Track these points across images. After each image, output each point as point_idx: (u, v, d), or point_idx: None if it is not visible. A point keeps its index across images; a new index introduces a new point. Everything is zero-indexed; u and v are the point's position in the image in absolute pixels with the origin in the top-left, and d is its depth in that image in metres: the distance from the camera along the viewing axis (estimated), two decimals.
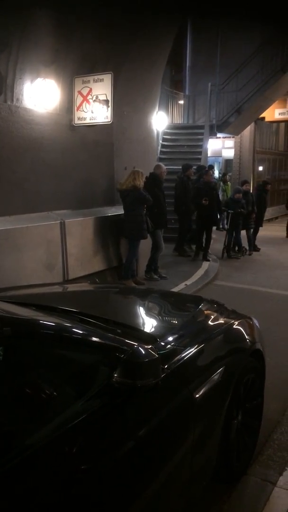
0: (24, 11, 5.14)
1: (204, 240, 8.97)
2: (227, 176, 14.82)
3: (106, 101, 5.98)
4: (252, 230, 10.21)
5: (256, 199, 10.21)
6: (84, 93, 6.10)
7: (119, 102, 6.65)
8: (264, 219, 16.38)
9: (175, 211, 9.12)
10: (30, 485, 1.43)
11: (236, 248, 9.94)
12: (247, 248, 10.13)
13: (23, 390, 1.86)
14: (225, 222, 11.10)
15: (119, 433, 1.73)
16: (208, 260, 8.77)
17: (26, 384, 1.89)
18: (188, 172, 9.19)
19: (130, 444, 1.74)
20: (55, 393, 1.87)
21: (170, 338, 2.33)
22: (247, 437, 2.70)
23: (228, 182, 14.47)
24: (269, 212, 16.97)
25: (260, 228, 10.90)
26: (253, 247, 10.43)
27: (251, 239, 10.26)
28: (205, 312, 2.95)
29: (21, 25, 5.20)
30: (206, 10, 13.16)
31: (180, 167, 9.39)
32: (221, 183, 13.64)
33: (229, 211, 9.52)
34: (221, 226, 12.38)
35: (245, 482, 2.60)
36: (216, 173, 15.99)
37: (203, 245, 8.97)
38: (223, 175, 14.27)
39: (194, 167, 10.14)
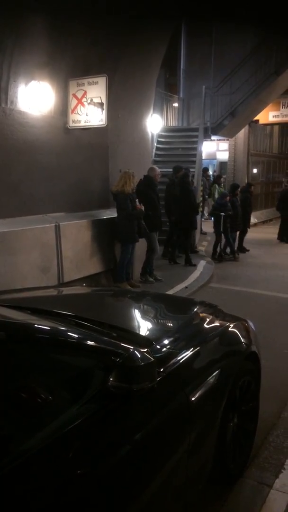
0: (18, 14, 5.13)
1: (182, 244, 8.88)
2: (222, 179, 14.85)
3: (101, 104, 5.98)
4: (238, 232, 10.26)
5: (241, 202, 10.23)
6: (79, 96, 6.10)
7: (113, 104, 6.66)
8: (258, 221, 16.57)
9: (166, 214, 9.11)
10: (26, 491, 1.42)
11: (228, 250, 9.98)
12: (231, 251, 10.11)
13: (18, 394, 1.85)
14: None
15: (115, 437, 1.73)
16: (193, 265, 8.56)
17: (21, 388, 1.88)
18: (180, 173, 9.19)
19: (126, 448, 1.73)
20: (50, 397, 1.85)
21: (166, 341, 2.32)
22: (243, 439, 2.70)
23: (223, 185, 14.51)
24: (263, 214, 17.12)
25: (249, 230, 10.92)
26: (240, 249, 10.51)
27: (236, 241, 10.27)
28: (201, 315, 2.95)
29: (15, 28, 5.20)
30: (200, 14, 13.23)
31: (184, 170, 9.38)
32: (216, 186, 13.66)
33: (221, 214, 9.55)
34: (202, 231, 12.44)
35: (242, 485, 2.60)
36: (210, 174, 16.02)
37: (173, 248, 8.89)
38: (217, 177, 14.30)
39: (192, 170, 10.17)
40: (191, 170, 10.61)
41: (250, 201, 10.72)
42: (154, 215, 7.23)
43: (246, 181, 16.71)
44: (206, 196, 13.17)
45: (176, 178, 9.12)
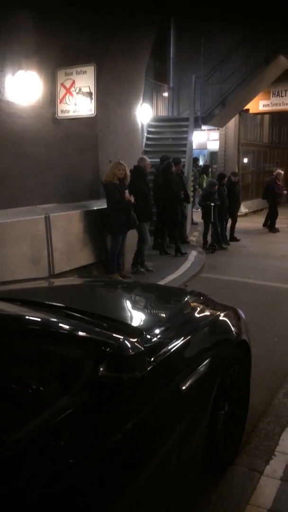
0: (4, 3, 5.04)
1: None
2: (210, 169, 14.86)
3: (90, 94, 5.92)
4: (226, 222, 10.29)
5: (227, 192, 10.22)
6: (67, 86, 6.03)
7: (102, 94, 6.59)
8: (249, 211, 16.61)
9: (155, 204, 9.05)
10: (18, 481, 1.42)
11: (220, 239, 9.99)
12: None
13: (8, 385, 1.85)
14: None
15: (106, 426, 1.73)
16: (184, 254, 8.54)
17: (12, 379, 1.88)
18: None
19: (117, 437, 1.74)
20: (41, 388, 1.85)
21: (156, 331, 2.33)
22: (234, 427, 2.72)
23: (210, 175, 14.52)
24: (254, 204, 17.15)
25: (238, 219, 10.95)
26: (231, 239, 10.57)
27: (224, 231, 10.28)
28: (191, 304, 2.96)
29: (2, 17, 5.11)
30: (189, 2, 13.10)
31: (171, 159, 9.32)
32: (204, 176, 13.65)
33: (211, 204, 9.54)
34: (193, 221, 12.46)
35: (233, 472, 2.63)
36: (201, 164, 16.01)
37: (163, 238, 8.86)
38: (205, 167, 14.27)
39: (183, 159, 10.12)
40: (182, 160, 10.58)
41: (234, 191, 10.60)
42: (145, 205, 7.21)
43: (236, 171, 16.75)
44: (197, 186, 13.15)
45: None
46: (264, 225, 12.53)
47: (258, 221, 13.32)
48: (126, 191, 6.61)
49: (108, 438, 1.70)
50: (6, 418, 1.68)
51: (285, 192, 12.43)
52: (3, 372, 1.92)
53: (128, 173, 6.69)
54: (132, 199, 6.65)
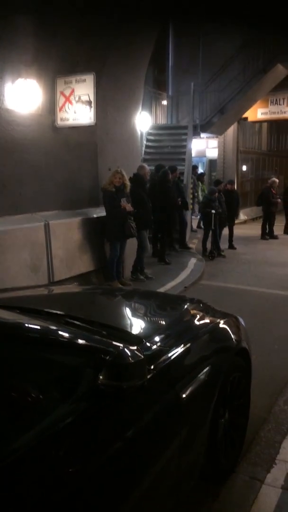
0: (4, 11, 5.08)
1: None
2: (205, 176, 14.98)
3: (89, 102, 5.95)
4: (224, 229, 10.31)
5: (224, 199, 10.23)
6: (67, 94, 6.06)
7: (102, 102, 6.63)
8: (248, 218, 16.65)
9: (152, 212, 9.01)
10: (17, 490, 1.41)
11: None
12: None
13: (8, 393, 1.84)
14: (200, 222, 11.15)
15: (106, 435, 1.72)
16: (167, 263, 8.48)
17: (12, 387, 1.87)
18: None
19: (117, 445, 1.72)
20: (40, 396, 1.84)
21: (156, 339, 2.32)
22: (234, 435, 2.70)
23: (205, 182, 14.64)
24: (253, 211, 17.17)
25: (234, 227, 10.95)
26: (231, 246, 10.59)
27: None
28: (191, 312, 2.95)
29: (2, 26, 5.15)
30: (187, 11, 13.23)
31: (166, 167, 9.36)
32: (199, 183, 13.70)
33: (212, 211, 9.56)
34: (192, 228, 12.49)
35: (234, 480, 2.61)
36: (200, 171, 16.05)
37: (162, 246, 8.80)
38: (200, 175, 14.31)
39: (182, 167, 10.14)
40: (180, 168, 10.62)
41: (231, 198, 10.53)
42: (144, 213, 7.22)
43: (235, 179, 16.80)
44: (196, 194, 13.20)
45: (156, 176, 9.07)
46: (262, 237, 12.42)
47: (257, 228, 13.31)
48: (123, 199, 6.60)
49: (108, 446, 1.69)
50: (6, 426, 1.67)
51: (279, 200, 12.48)
52: (3, 380, 1.92)
53: (127, 182, 6.69)
54: (129, 207, 6.62)
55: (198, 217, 12.67)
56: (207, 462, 2.39)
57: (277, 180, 12.80)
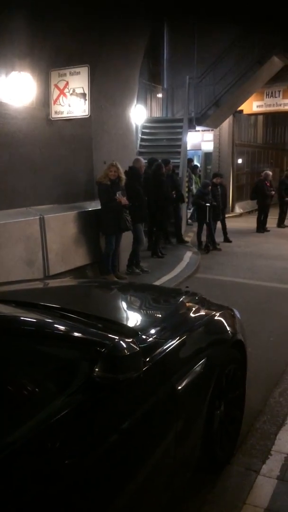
0: None
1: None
2: (199, 169, 14.98)
3: (83, 95, 5.92)
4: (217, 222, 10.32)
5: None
6: (61, 87, 6.02)
7: (96, 95, 6.59)
8: (244, 211, 16.67)
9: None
10: (14, 483, 1.41)
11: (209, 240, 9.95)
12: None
13: (3, 387, 1.84)
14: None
15: (102, 427, 1.73)
16: (160, 257, 8.48)
17: (7, 381, 1.87)
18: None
19: (113, 438, 1.73)
20: (36, 389, 1.85)
21: (152, 331, 2.32)
22: (230, 427, 2.72)
23: (199, 174, 14.62)
24: (248, 205, 17.19)
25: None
26: (226, 239, 10.61)
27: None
28: (186, 304, 2.95)
29: None
30: (182, 3, 13.13)
31: (159, 160, 9.33)
32: (193, 176, 13.69)
33: (206, 204, 9.56)
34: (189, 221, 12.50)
35: (229, 472, 2.63)
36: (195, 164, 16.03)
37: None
38: (194, 167, 14.28)
39: (177, 160, 10.09)
40: (176, 161, 10.58)
41: (219, 192, 10.46)
42: (139, 206, 7.21)
43: (231, 172, 16.80)
44: (192, 187, 13.19)
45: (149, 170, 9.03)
46: (258, 230, 12.37)
47: (252, 221, 13.33)
48: (119, 193, 6.58)
49: (104, 438, 1.70)
50: (2, 419, 1.67)
51: (273, 193, 12.48)
52: None
53: (123, 175, 6.66)
54: (124, 200, 6.61)
55: (191, 209, 12.67)
56: (203, 453, 2.40)
57: (270, 173, 12.76)
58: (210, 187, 9.70)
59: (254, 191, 12.57)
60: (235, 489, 2.49)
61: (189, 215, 12.79)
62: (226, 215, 11.25)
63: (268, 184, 12.28)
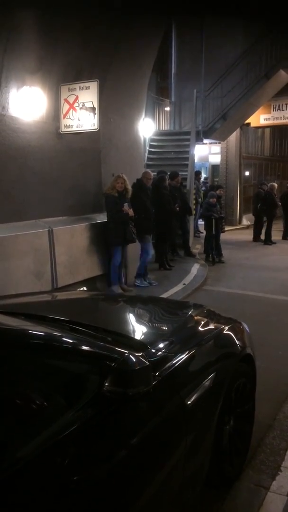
0: (8, 19, 5.13)
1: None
2: (202, 178, 15.08)
3: (93, 109, 5.99)
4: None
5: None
6: (71, 101, 6.10)
7: (105, 109, 6.67)
8: (251, 223, 16.63)
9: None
10: (22, 499, 1.41)
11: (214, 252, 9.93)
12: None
13: (13, 401, 1.84)
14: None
15: (111, 442, 1.72)
16: (168, 269, 8.49)
17: (16, 395, 1.87)
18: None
19: (122, 453, 1.72)
20: (45, 403, 1.85)
21: (161, 345, 2.32)
22: (239, 442, 2.69)
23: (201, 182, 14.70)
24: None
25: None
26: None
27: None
28: (195, 318, 2.95)
29: (6, 33, 5.20)
30: (190, 18, 13.33)
31: (168, 173, 9.39)
32: (196, 182, 13.73)
33: (213, 215, 9.59)
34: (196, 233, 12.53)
35: (238, 488, 2.60)
36: (203, 178, 16.08)
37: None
38: (196, 173, 14.32)
39: (185, 173, 10.13)
40: (183, 173, 10.64)
41: (222, 204, 10.52)
42: (146, 218, 7.22)
43: (238, 184, 16.84)
44: (199, 199, 13.22)
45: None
46: (265, 242, 12.35)
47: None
48: (126, 204, 6.64)
49: (114, 453, 1.69)
50: (11, 434, 1.68)
51: (279, 203, 12.58)
52: (8, 387, 1.92)
53: (129, 187, 6.73)
54: (131, 212, 6.65)
55: (199, 221, 12.74)
56: (212, 469, 2.38)
57: (276, 185, 12.92)
58: (215, 199, 9.74)
59: (264, 203, 12.50)
60: (244, 506, 2.46)
61: (199, 227, 12.85)
62: (234, 227, 11.27)
63: (276, 195, 12.44)
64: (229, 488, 2.58)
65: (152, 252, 7.75)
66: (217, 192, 10.19)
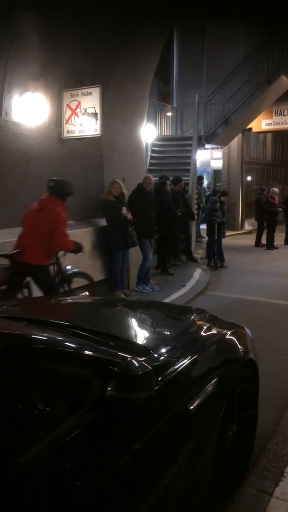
0: (11, 25, 5.17)
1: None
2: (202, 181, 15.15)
3: (95, 114, 6.02)
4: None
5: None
6: (73, 107, 6.14)
7: (107, 114, 6.70)
8: (253, 228, 16.63)
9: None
10: (24, 504, 1.41)
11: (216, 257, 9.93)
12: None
13: (15, 406, 1.84)
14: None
15: (114, 447, 1.71)
16: (170, 274, 8.50)
17: (19, 399, 1.87)
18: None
19: (125, 458, 1.71)
20: (48, 408, 1.84)
21: (163, 350, 2.32)
22: (242, 448, 2.68)
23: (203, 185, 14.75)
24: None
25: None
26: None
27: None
28: (198, 322, 2.95)
29: (9, 39, 5.24)
30: (191, 24, 13.41)
31: (170, 179, 9.41)
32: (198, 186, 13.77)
33: (216, 220, 9.60)
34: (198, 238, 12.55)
35: (241, 494, 2.58)
36: (205, 183, 16.12)
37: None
38: (199, 177, 14.37)
39: (186, 178, 10.15)
40: (185, 178, 10.66)
41: (225, 209, 10.58)
42: (145, 222, 7.22)
43: (240, 189, 16.86)
44: (201, 204, 13.24)
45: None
46: (267, 247, 12.38)
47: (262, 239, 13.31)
48: (124, 208, 6.67)
49: (116, 459, 1.68)
50: (14, 439, 1.67)
51: (280, 209, 12.57)
52: (10, 392, 1.92)
53: (125, 191, 6.77)
54: (129, 215, 6.68)
55: (202, 226, 12.77)
56: (214, 475, 2.37)
57: (277, 190, 12.97)
58: (218, 204, 9.76)
59: (263, 208, 12.54)
60: None
61: (201, 232, 12.87)
62: (236, 232, 11.29)
63: (274, 200, 12.42)
64: (232, 494, 2.56)
65: (151, 257, 7.74)
66: (222, 198, 10.23)
